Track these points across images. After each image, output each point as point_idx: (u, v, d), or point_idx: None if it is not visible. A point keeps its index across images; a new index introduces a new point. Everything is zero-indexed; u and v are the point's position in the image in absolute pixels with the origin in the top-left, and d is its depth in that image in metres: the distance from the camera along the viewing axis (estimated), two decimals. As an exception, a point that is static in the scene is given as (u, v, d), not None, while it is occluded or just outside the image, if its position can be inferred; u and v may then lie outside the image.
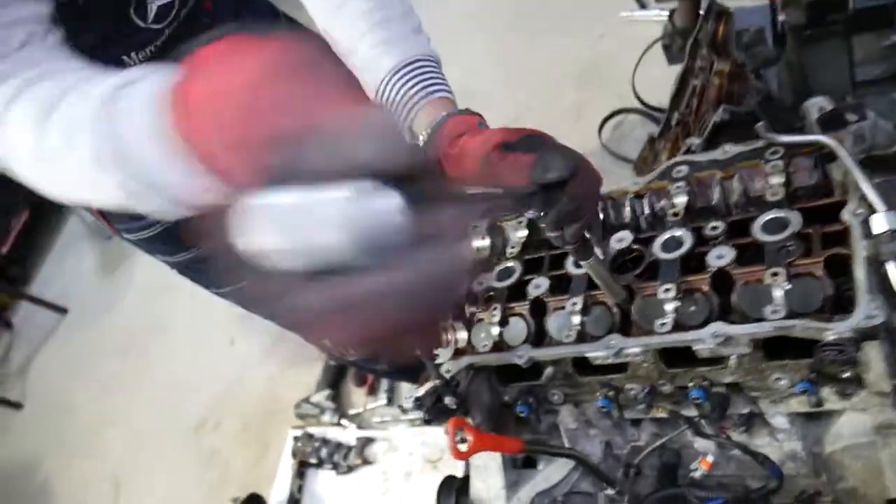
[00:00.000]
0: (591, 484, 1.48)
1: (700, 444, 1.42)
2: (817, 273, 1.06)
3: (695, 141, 2.06)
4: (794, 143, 1.18)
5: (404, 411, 2.81)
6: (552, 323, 1.29)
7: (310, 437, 2.35)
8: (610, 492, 1.38)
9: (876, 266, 1.02)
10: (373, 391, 2.90)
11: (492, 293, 1.40)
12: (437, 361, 1.36)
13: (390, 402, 2.84)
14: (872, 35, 2.04)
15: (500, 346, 1.33)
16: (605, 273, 1.16)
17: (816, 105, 1.25)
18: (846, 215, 1.09)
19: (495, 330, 1.34)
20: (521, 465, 1.51)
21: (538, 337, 1.32)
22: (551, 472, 1.43)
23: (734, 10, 2.32)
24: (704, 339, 1.08)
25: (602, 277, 1.17)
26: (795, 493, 1.34)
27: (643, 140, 2.79)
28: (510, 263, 1.44)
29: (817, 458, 1.32)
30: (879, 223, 1.00)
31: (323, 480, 2.28)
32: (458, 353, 1.38)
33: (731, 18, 2.26)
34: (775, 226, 1.15)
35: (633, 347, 1.16)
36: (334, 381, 2.97)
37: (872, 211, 1.04)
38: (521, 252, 1.46)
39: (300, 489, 2.28)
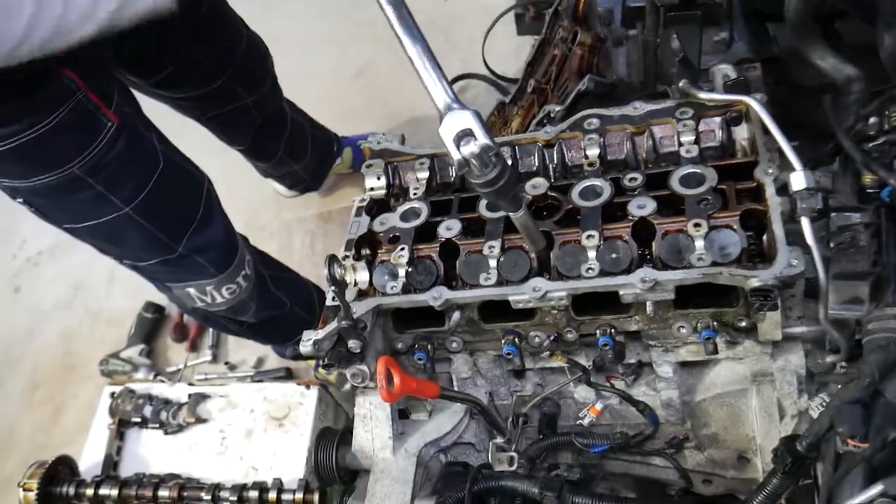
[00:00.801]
0: (474, 435, 1.47)
1: (580, 394, 1.46)
2: (734, 226, 1.12)
3: (555, 108, 2.11)
4: (716, 101, 1.23)
5: (231, 368, 2.64)
6: (467, 264, 1.25)
7: (131, 393, 2.09)
8: (499, 440, 1.37)
9: (788, 220, 1.09)
10: (194, 347, 2.66)
11: (396, 234, 1.33)
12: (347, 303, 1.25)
13: (215, 359, 2.62)
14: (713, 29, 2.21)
15: (407, 288, 1.27)
16: (531, 223, 1.14)
17: (722, 71, 1.32)
18: (759, 173, 1.16)
19: (403, 271, 1.27)
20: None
21: (448, 280, 1.27)
22: (440, 424, 1.39)
23: (589, -12, 2.40)
24: (634, 284, 1.09)
25: (527, 227, 1.15)
26: (666, 437, 1.43)
27: (489, 105, 2.82)
28: (415, 204, 1.37)
29: (687, 406, 1.42)
30: (798, 180, 1.07)
31: (147, 441, 2.05)
32: (361, 294, 1.29)
33: (593, -5, 2.33)
34: (693, 180, 1.20)
35: (559, 291, 1.15)
36: (149, 335, 2.68)
37: (783, 170, 1.12)
38: (426, 193, 1.40)
39: (119, 450, 2.03)
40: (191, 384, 2.15)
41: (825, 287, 1.07)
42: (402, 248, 1.28)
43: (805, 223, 1.06)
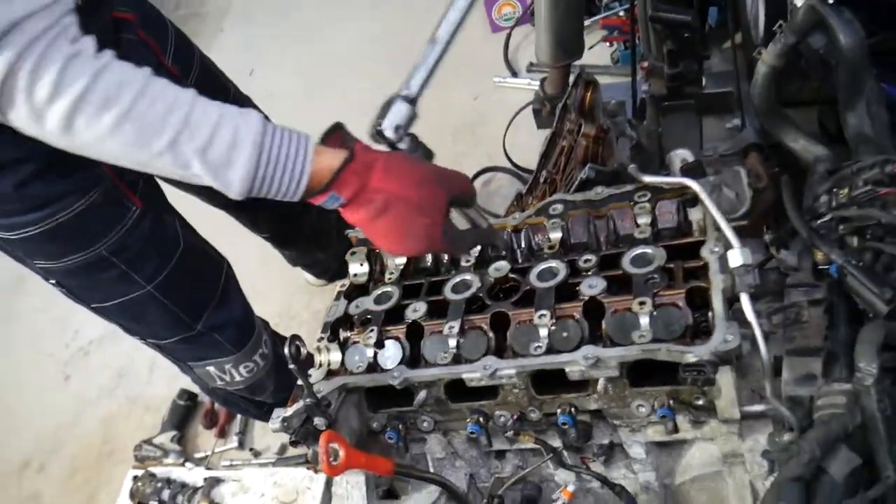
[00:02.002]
0: (453, 517, 1.47)
1: (560, 477, 1.45)
2: (679, 303, 1.14)
3: (563, 197, 2.18)
4: (660, 184, 1.28)
5: (256, 455, 2.70)
6: (428, 345, 1.29)
7: (152, 476, 2.16)
8: (473, 522, 1.37)
9: (731, 297, 1.11)
10: (223, 434, 2.74)
11: (368, 316, 1.39)
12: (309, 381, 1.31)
13: (241, 445, 2.69)
14: (718, 118, 2.27)
15: (374, 368, 1.32)
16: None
17: (679, 156, 1.37)
18: (705, 252, 1.18)
19: (370, 351, 1.32)
20: (383, 495, 1.47)
21: (413, 360, 1.32)
22: (415, 503, 1.40)
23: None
24: (577, 361, 1.12)
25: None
26: (647, 523, 1.40)
27: (510, 196, 2.91)
28: (388, 288, 1.43)
29: (667, 490, 1.39)
30: (735, 257, 1.09)
31: (162, 524, 2.10)
32: (330, 374, 1.35)
33: (598, 87, 2.43)
34: (642, 260, 1.23)
35: (508, 369, 1.18)
36: (181, 422, 2.78)
37: (728, 248, 1.14)
38: (400, 278, 1.46)
39: (135, 534, 2.09)
40: (208, 468, 2.22)
41: (768, 366, 1.07)
42: (372, 330, 1.34)
43: (744, 299, 1.07)
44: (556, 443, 1.35)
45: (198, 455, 2.69)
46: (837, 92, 1.41)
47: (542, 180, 2.61)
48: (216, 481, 2.14)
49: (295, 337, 1.20)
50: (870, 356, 0.95)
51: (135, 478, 2.17)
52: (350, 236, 1.59)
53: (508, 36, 3.63)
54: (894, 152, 1.30)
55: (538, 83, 2.90)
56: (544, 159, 2.66)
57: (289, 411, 1.26)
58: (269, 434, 2.71)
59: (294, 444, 1.28)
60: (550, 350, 1.18)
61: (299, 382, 1.34)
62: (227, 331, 1.90)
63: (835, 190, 1.20)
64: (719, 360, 1.04)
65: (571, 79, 2.54)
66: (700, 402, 1.17)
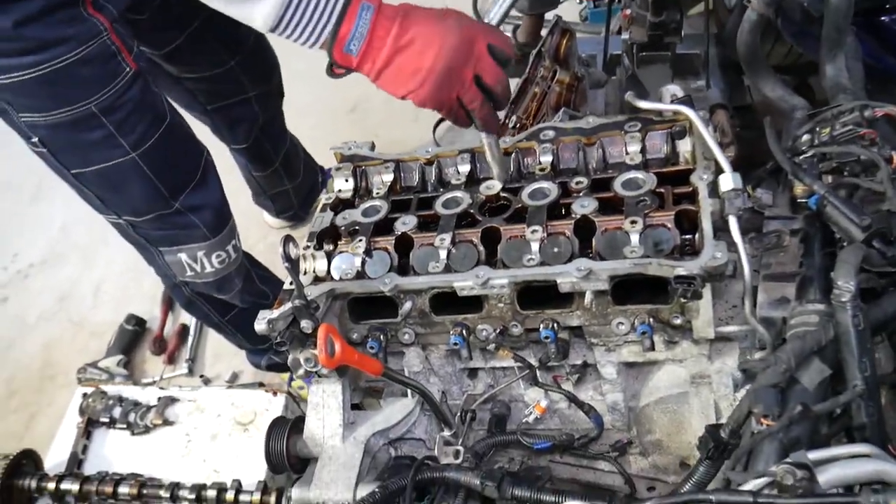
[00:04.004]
0: (424, 431, 1.50)
1: (530, 396, 1.50)
2: (668, 224, 1.19)
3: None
4: (657, 110, 1.32)
5: (206, 382, 2.67)
6: (418, 256, 1.31)
7: (102, 394, 2.13)
8: (446, 433, 1.41)
9: (719, 221, 1.16)
10: (172, 360, 2.70)
11: (356, 227, 1.40)
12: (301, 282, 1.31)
13: (191, 372, 2.66)
14: (682, 79, 2.33)
15: (362, 276, 1.33)
16: (498, 148, 1.34)
17: (670, 90, 1.41)
18: (695, 178, 1.23)
19: (358, 260, 1.33)
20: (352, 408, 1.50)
21: (401, 272, 1.33)
22: (390, 414, 1.43)
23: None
24: (570, 272, 1.15)
25: (494, 151, 1.35)
26: (611, 442, 1.47)
27: (475, 142, 2.92)
28: (376, 202, 1.44)
29: (632, 412, 1.46)
30: (726, 182, 1.14)
31: (113, 441, 2.08)
32: (317, 280, 1.35)
33: (574, 35, 2.46)
34: (633, 184, 1.27)
35: (500, 279, 1.21)
36: (128, 347, 2.72)
37: (718, 175, 1.19)
38: (388, 193, 1.47)
39: (85, 449, 2.06)
40: (162, 388, 2.19)
41: (750, 282, 1.13)
42: (360, 240, 1.35)
43: (732, 221, 1.13)
44: (533, 361, 1.39)
45: (145, 381, 2.66)
46: (819, 44, 1.47)
47: (511, 125, 2.64)
48: (171, 400, 2.13)
49: (288, 237, 1.19)
50: (848, 274, 1.02)
51: (84, 394, 2.14)
52: (335, 152, 1.59)
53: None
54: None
55: (509, 31, 2.91)
56: (514, 105, 2.68)
57: (275, 313, 1.26)
58: (219, 361, 2.69)
59: (279, 345, 1.28)
60: (542, 264, 1.21)
61: (286, 286, 1.34)
62: (204, 213, 1.89)
63: (816, 129, 1.26)
64: (707, 275, 1.09)
65: (543, 31, 2.57)
66: (678, 322, 1.23)
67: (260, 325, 1.27)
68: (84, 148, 1.64)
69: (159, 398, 2.12)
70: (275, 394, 2.09)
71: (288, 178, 2.70)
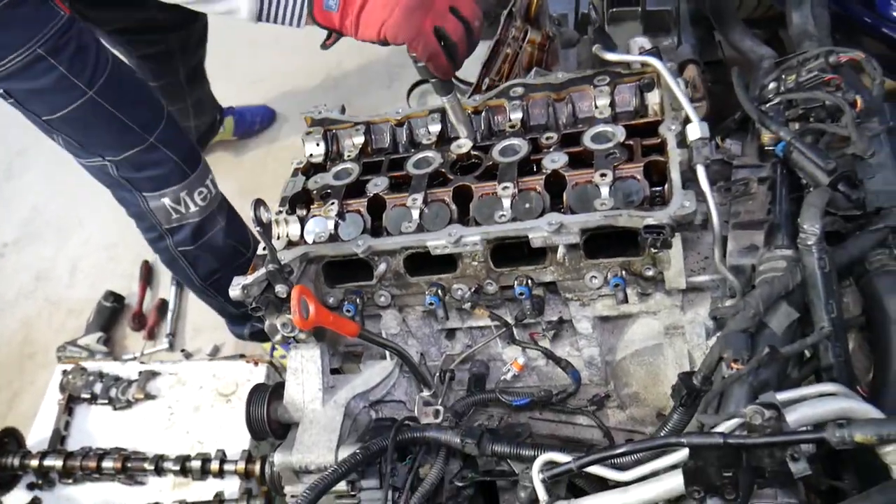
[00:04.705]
0: (404, 392, 1.51)
1: (507, 355, 1.51)
2: (637, 176, 1.19)
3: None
4: (625, 62, 1.31)
5: (187, 357, 2.67)
6: (391, 217, 1.31)
7: (83, 370, 2.12)
8: (426, 394, 1.42)
9: (688, 171, 1.17)
10: (152, 336, 2.68)
11: (328, 191, 1.39)
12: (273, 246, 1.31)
13: (171, 347, 2.65)
14: (653, 36, 2.32)
15: (335, 239, 1.32)
16: (460, 108, 1.34)
17: (638, 43, 1.40)
18: (663, 129, 1.23)
19: (330, 223, 1.33)
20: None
21: (374, 233, 1.33)
22: (369, 377, 1.43)
23: (545, -7, 2.50)
24: (541, 227, 1.16)
25: (455, 110, 1.34)
26: (589, 396, 1.48)
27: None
28: (348, 165, 1.43)
29: (609, 365, 1.48)
30: (693, 130, 1.15)
31: (95, 416, 2.07)
32: (290, 245, 1.34)
33: (542, -8, 2.43)
34: (602, 137, 1.27)
35: (473, 236, 1.21)
36: (107, 323, 2.70)
37: (686, 126, 1.20)
38: (359, 155, 1.46)
39: (67, 425, 2.06)
40: (142, 363, 2.19)
41: (720, 231, 1.14)
42: (333, 203, 1.34)
43: (699, 169, 1.13)
44: (509, 319, 1.40)
45: (126, 357, 2.64)
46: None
47: (484, 87, 2.63)
48: (152, 374, 2.13)
49: (259, 201, 1.19)
50: (814, 218, 1.03)
51: (64, 371, 2.13)
52: (305, 116, 1.57)
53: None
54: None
55: (481, -8, 2.86)
56: (486, 67, 2.66)
57: (249, 278, 1.26)
58: (199, 335, 2.68)
59: (254, 310, 1.27)
60: (514, 220, 1.22)
61: (259, 251, 1.34)
62: (179, 147, 1.94)
63: (782, 77, 1.27)
64: (676, 224, 1.10)
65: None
66: (650, 273, 1.24)
67: (234, 291, 1.27)
68: (44, 93, 1.71)
69: (140, 372, 2.11)
70: (256, 364, 2.09)
71: (195, 117, 2.80)
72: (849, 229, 1.12)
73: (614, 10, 2.14)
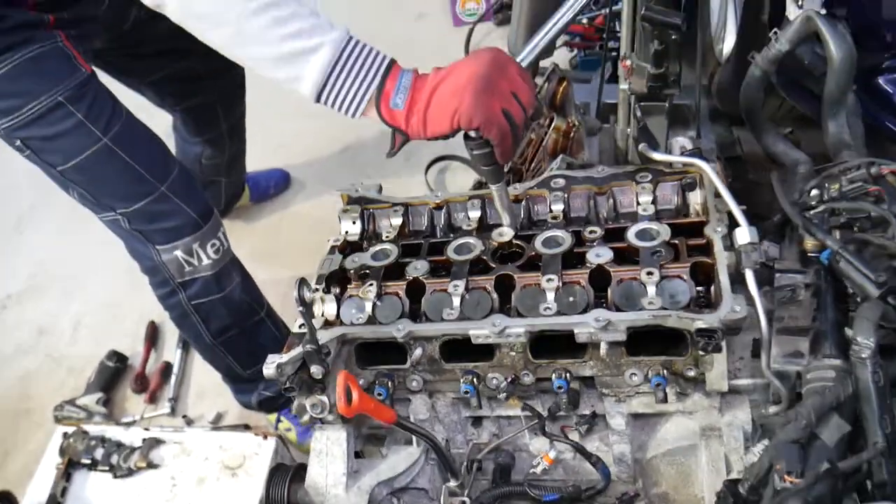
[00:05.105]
0: (428, 481, 1.47)
1: (534, 447, 1.48)
2: (684, 276, 1.19)
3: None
4: (672, 162, 1.33)
5: (189, 423, 2.60)
6: (431, 303, 1.30)
7: (84, 433, 2.06)
8: (452, 484, 1.38)
9: (734, 274, 1.17)
10: (153, 399, 2.62)
11: (366, 271, 1.38)
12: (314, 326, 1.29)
13: (173, 412, 2.59)
14: (672, 129, 2.37)
15: (373, 321, 1.31)
16: (507, 196, 1.36)
17: (679, 143, 1.43)
18: (709, 230, 1.24)
19: (368, 305, 1.32)
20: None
21: (412, 317, 1.32)
22: (395, 463, 1.40)
23: (569, 80, 2.57)
24: (588, 323, 1.15)
25: (503, 199, 1.37)
26: (617, 494, 1.45)
27: (466, 186, 2.95)
28: (386, 246, 1.43)
29: (638, 463, 1.45)
30: (743, 235, 1.15)
31: (94, 483, 1.99)
32: (327, 324, 1.33)
33: (570, 84, 2.49)
34: (647, 235, 1.28)
35: (517, 327, 1.20)
36: (108, 384, 2.64)
37: (732, 228, 1.20)
38: (397, 237, 1.46)
39: (64, 491, 1.98)
40: (146, 429, 2.12)
41: (768, 336, 1.13)
42: (371, 284, 1.34)
43: (748, 274, 1.14)
44: (541, 410, 1.38)
45: (125, 420, 2.58)
46: (812, 100, 1.51)
47: (506, 170, 2.66)
48: (156, 442, 2.06)
49: (303, 280, 1.18)
50: (867, 331, 1.03)
51: (65, 434, 2.07)
52: (342, 194, 1.58)
53: (471, 31, 3.67)
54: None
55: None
56: (510, 150, 2.71)
57: (285, 357, 1.24)
58: (203, 401, 2.62)
59: (287, 390, 1.25)
60: (558, 313, 1.21)
61: (295, 329, 1.32)
62: (191, 198, 1.93)
63: (825, 185, 1.29)
64: (726, 328, 1.09)
65: (538, 79, 2.61)
66: (691, 374, 1.23)
67: (269, 370, 1.25)
68: (60, 140, 1.73)
69: (144, 439, 2.05)
70: (265, 437, 2.03)
71: (226, 174, 2.81)
72: (897, 343, 1.12)
73: (642, 103, 2.19)
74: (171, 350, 2.77)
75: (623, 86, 2.17)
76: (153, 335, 2.82)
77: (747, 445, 1.30)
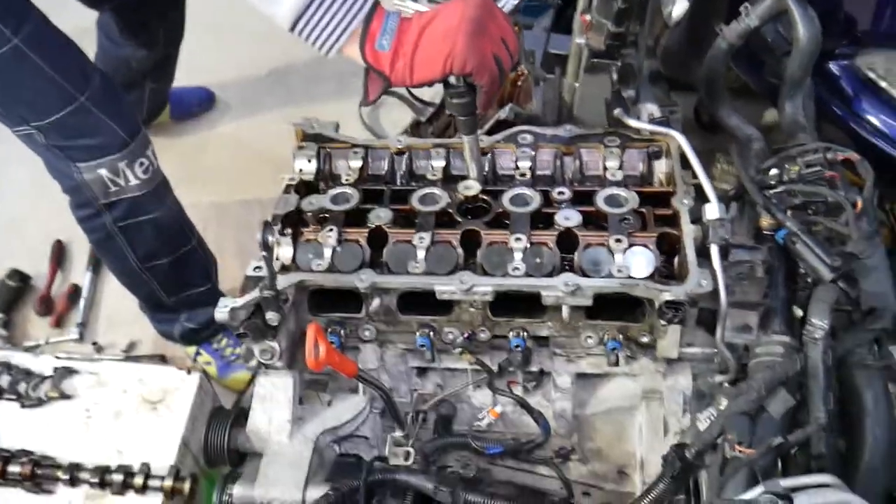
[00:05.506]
0: (370, 429, 1.46)
1: (477, 399, 1.50)
2: (651, 246, 1.21)
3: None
4: (647, 131, 1.33)
5: (99, 350, 2.48)
6: (395, 252, 1.26)
7: (-13, 360, 1.92)
8: (398, 433, 1.38)
9: (699, 248, 1.20)
10: (59, 323, 2.47)
11: (325, 215, 1.33)
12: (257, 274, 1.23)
13: (81, 338, 2.45)
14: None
15: (332, 268, 1.26)
16: (478, 149, 1.32)
17: (648, 109, 1.43)
18: (676, 203, 1.26)
19: (328, 251, 1.27)
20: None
21: (372, 267, 1.28)
22: (341, 412, 1.38)
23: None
24: (557, 287, 1.15)
25: (473, 151, 1.33)
26: (553, 448, 1.49)
27: (401, 122, 2.88)
28: (346, 189, 1.37)
29: (577, 419, 1.49)
30: (712, 211, 1.17)
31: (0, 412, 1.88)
32: (284, 269, 1.27)
33: (521, 31, 2.45)
34: (616, 201, 1.29)
35: (485, 286, 1.19)
36: (9, 304, 2.46)
37: (700, 201, 1.23)
38: (358, 181, 1.41)
39: (-36, 420, 1.85)
40: (57, 357, 2.01)
41: (725, 311, 1.17)
42: (331, 229, 1.28)
43: (714, 250, 1.16)
44: (492, 365, 1.38)
45: (28, 343, 2.41)
46: (781, 85, 1.54)
47: (447, 113, 2.61)
48: (68, 371, 1.95)
49: (268, 223, 1.11)
50: (823, 313, 1.08)
51: (-34, 359, 1.93)
52: (296, 128, 1.50)
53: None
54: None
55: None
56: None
57: (239, 301, 1.18)
58: (114, 329, 2.49)
59: (240, 336, 1.20)
60: (525, 274, 1.20)
61: (251, 272, 1.26)
62: (117, 110, 1.76)
63: (785, 166, 1.32)
64: (691, 301, 1.12)
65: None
66: (645, 340, 1.26)
67: (221, 313, 1.19)
68: None
69: (55, 368, 1.94)
70: (189, 372, 1.96)
71: (153, 77, 2.62)
72: (840, 325, 1.18)
73: (594, 60, 2.17)
74: (78, 272, 2.61)
75: (578, 39, 2.15)
76: (60, 255, 2.64)
77: (685, 409, 1.36)
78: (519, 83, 2.38)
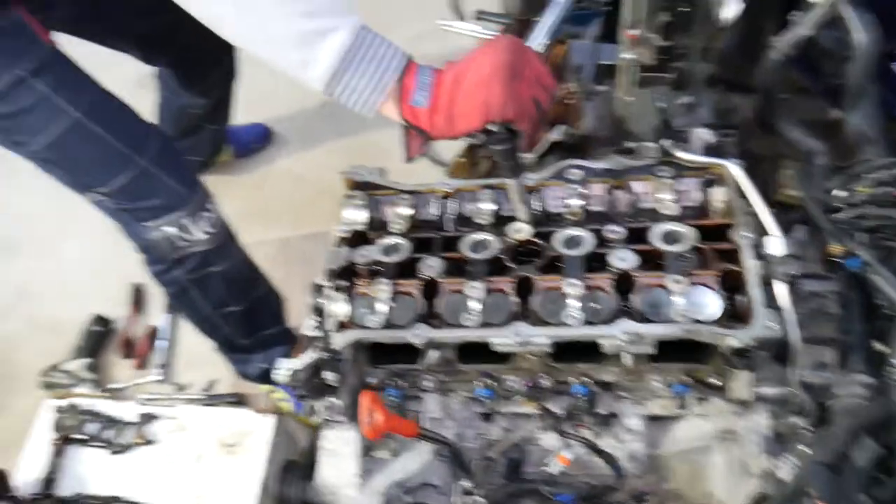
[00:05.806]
0: (438, 477, 1.46)
1: (545, 442, 1.47)
2: (714, 285, 1.16)
3: (527, 155, 2.15)
4: (698, 163, 1.28)
5: (180, 389, 2.57)
6: (448, 304, 1.25)
7: (73, 408, 2.01)
8: (466, 483, 1.37)
9: (764, 284, 1.14)
10: (142, 365, 2.58)
11: (377, 268, 1.33)
12: (314, 334, 1.24)
13: (165, 378, 2.55)
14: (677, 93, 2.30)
15: (387, 323, 1.26)
16: (524, 191, 1.30)
17: (700, 135, 1.37)
18: (736, 236, 1.20)
19: (383, 307, 1.27)
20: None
21: (426, 318, 1.27)
22: (407, 463, 1.38)
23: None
24: (616, 336, 1.12)
25: (520, 195, 1.31)
26: (628, 491, 1.45)
27: (455, 146, 2.86)
28: (397, 240, 1.37)
29: (652, 459, 1.44)
30: (776, 246, 1.11)
31: (89, 460, 1.96)
32: (342, 326, 1.28)
33: (569, 46, 2.40)
34: (672, 238, 1.24)
35: (541, 337, 1.16)
36: (95, 348, 2.59)
37: (760, 234, 1.17)
38: (408, 231, 1.40)
39: (58, 468, 1.94)
40: (139, 403, 2.08)
41: (797, 351, 1.11)
42: (384, 284, 1.28)
43: (781, 288, 1.11)
44: (555, 409, 1.35)
45: (113, 386, 2.53)
46: (846, 95, 1.45)
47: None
48: (150, 417, 2.02)
49: (319, 287, 1.12)
50: (904, 354, 1.01)
51: (58, 408, 2.02)
52: (345, 178, 1.51)
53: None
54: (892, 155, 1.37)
55: (488, 33, 2.84)
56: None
57: (298, 363, 1.19)
58: (192, 369, 2.58)
59: (301, 398, 1.21)
60: (583, 322, 1.17)
61: (307, 332, 1.27)
62: (173, 166, 1.82)
63: (852, 187, 1.25)
64: (759, 345, 1.07)
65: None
66: (714, 381, 1.21)
67: (281, 376, 1.20)
68: (27, 118, 1.61)
69: (139, 414, 2.01)
70: (264, 415, 2.00)
71: (211, 119, 2.70)
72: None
73: (645, 74, 2.11)
74: (155, 314, 2.71)
75: (627, 55, 2.09)
76: (138, 298, 2.75)
77: (764, 449, 1.30)
78: (567, 101, 2.33)
